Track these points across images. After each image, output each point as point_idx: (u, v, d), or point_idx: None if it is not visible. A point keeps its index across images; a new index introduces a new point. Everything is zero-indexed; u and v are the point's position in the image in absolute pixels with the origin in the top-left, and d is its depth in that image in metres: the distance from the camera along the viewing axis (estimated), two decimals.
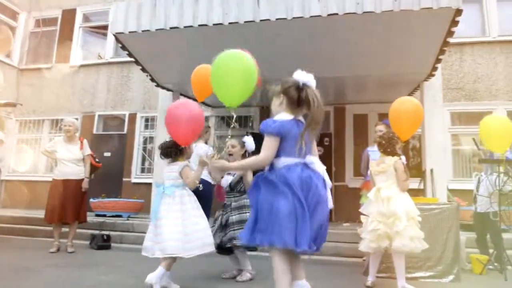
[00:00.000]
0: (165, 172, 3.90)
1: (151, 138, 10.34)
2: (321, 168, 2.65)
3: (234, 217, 4.17)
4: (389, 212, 3.92)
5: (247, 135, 4.48)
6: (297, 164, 2.60)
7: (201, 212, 3.84)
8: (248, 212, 3.82)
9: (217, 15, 5.53)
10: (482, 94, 8.84)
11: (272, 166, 2.67)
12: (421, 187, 6.65)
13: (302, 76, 2.71)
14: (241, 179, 4.25)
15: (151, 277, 3.48)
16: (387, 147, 4.15)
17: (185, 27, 5.66)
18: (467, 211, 6.18)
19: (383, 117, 8.32)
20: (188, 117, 3.66)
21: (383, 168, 4.12)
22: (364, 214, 4.25)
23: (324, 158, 9.26)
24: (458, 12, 4.94)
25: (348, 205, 7.60)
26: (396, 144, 4.14)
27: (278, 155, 2.64)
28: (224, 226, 4.20)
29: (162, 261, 3.60)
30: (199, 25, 5.56)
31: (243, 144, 4.33)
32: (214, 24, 5.49)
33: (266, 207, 2.53)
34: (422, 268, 4.40)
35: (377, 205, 4.05)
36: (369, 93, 8.22)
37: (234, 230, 4.07)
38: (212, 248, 3.80)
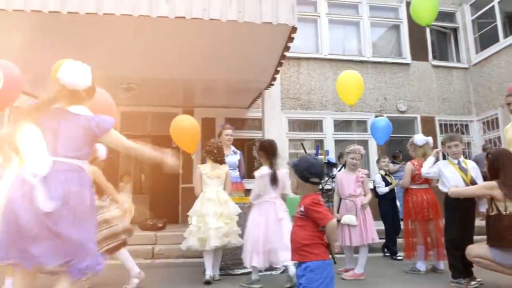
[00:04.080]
0: None
1: None
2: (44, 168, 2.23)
3: None
4: (229, 213, 4.41)
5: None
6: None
7: None
8: None
9: (54, 2, 5.02)
10: (315, 104, 9.97)
11: None
12: None
13: (66, 75, 2.45)
14: None
15: None
16: (218, 156, 4.67)
17: (14, 10, 4.98)
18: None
19: (230, 121, 8.75)
20: None
21: (219, 174, 4.62)
22: (200, 214, 4.50)
23: None
24: (294, 29, 5.44)
25: None
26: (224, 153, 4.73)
27: None
28: None
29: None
30: (31, 10, 4.96)
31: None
32: (50, 12, 4.97)
33: None
34: None
35: (215, 206, 4.42)
36: (217, 98, 8.51)
37: None
38: None
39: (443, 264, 4.76)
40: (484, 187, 3.86)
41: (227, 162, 5.05)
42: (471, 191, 3.97)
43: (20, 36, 5.22)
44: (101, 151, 4.16)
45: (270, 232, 4.03)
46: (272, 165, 4.18)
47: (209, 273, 4.35)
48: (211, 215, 4.34)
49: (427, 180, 4.89)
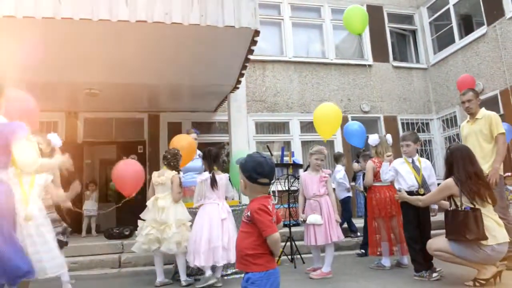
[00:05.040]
0: None
1: None
2: None
3: None
4: (162, 220, 4.47)
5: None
6: None
7: None
8: None
9: (9, 7, 4.86)
10: (281, 106, 10.07)
11: None
12: None
13: None
14: None
15: None
16: (171, 161, 4.75)
17: None
18: None
19: (197, 125, 8.70)
20: None
21: (163, 180, 4.67)
22: (142, 219, 4.68)
23: None
24: (257, 32, 5.49)
25: None
26: (179, 161, 4.84)
27: None
28: None
29: None
30: None
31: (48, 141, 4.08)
32: (4, 16, 4.80)
33: None
34: (224, 266, 4.70)
35: (153, 212, 4.54)
36: (183, 102, 8.47)
37: None
38: None
39: (407, 259, 4.90)
40: (443, 190, 3.91)
41: (190, 166, 5.09)
42: (435, 198, 4.06)
43: None
44: (55, 140, 4.16)
45: (213, 232, 4.29)
46: (211, 170, 4.57)
47: (158, 279, 4.61)
48: (147, 222, 4.58)
49: None
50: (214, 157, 4.63)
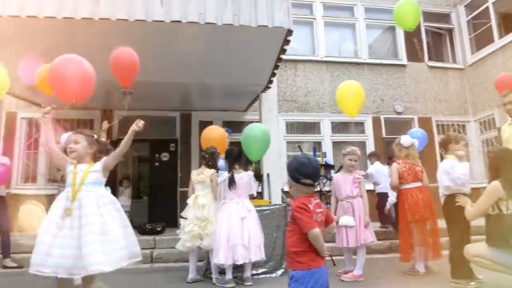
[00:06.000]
0: None
1: None
2: None
3: None
4: (203, 217, 4.59)
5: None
6: None
7: None
8: None
9: (50, 7, 5.03)
10: (312, 106, 9.99)
11: None
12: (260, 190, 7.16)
13: None
14: None
15: None
16: (209, 160, 4.88)
17: (9, 16, 4.98)
18: None
19: (228, 124, 8.74)
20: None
21: (202, 179, 4.81)
22: (183, 217, 4.78)
23: (170, 163, 9.25)
24: (289, 32, 5.45)
25: None
26: (217, 159, 4.91)
27: None
28: None
29: None
30: (27, 16, 4.96)
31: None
32: (45, 17, 4.97)
33: None
34: (255, 266, 4.73)
35: (194, 210, 4.65)
36: (214, 101, 8.52)
37: None
38: None
39: (438, 264, 4.74)
40: (490, 194, 3.62)
41: (220, 165, 5.16)
42: (484, 206, 3.70)
43: (14, 41, 5.26)
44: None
45: (232, 230, 4.37)
46: (231, 169, 4.67)
47: (190, 276, 4.71)
48: (188, 219, 4.68)
49: (417, 177, 4.85)
50: (235, 156, 4.73)
